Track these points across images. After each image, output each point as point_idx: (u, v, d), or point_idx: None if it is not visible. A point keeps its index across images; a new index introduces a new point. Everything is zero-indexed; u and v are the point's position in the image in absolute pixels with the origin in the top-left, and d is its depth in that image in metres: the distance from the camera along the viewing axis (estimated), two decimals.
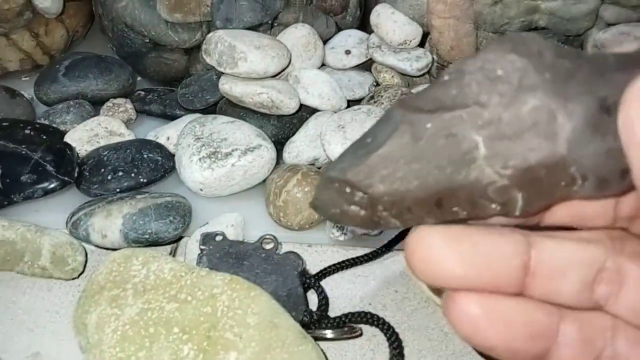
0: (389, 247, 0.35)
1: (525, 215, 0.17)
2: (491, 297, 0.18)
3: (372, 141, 0.17)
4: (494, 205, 0.17)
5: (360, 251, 0.36)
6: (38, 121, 0.43)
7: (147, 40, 0.46)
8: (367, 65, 0.46)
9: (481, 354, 0.30)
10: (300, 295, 0.31)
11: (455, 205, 0.17)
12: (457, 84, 0.16)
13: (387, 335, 0.30)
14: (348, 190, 0.17)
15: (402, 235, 0.35)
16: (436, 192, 0.17)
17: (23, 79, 0.50)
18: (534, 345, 0.18)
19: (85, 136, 0.41)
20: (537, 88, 0.16)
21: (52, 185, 0.35)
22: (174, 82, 0.48)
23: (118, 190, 0.37)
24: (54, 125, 0.42)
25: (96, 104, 0.45)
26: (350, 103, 0.44)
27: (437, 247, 0.17)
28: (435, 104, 0.16)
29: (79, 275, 0.33)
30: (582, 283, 0.19)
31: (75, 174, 0.37)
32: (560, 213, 0.19)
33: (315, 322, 0.31)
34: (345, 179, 0.17)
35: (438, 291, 0.19)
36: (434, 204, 0.17)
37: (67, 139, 0.40)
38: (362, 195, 0.17)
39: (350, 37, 0.47)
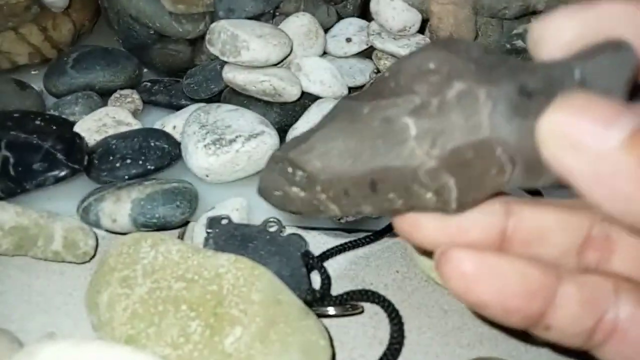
0: (390, 229, 0.36)
1: (463, 209, 0.18)
2: (485, 253, 0.18)
3: (316, 126, 0.18)
4: (429, 195, 0.17)
5: (361, 234, 0.37)
6: (48, 112, 0.44)
7: (152, 32, 0.47)
8: (368, 53, 0.47)
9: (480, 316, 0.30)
10: (304, 275, 0.32)
11: (390, 191, 0.18)
12: (395, 77, 0.18)
13: (388, 312, 0.31)
14: (290, 170, 0.18)
15: None
16: (369, 171, 0.18)
17: (32, 72, 0.51)
18: (530, 304, 0.18)
19: (94, 126, 0.42)
20: (463, 75, 0.17)
21: (62, 173, 0.37)
22: (179, 72, 0.49)
23: (126, 177, 0.38)
24: (63, 116, 0.43)
25: (104, 95, 0.46)
26: (352, 90, 0.45)
27: (419, 216, 0.19)
28: (375, 95, 0.18)
29: (90, 259, 0.35)
30: (564, 249, 0.19)
31: (85, 162, 0.38)
32: None
33: (318, 300, 0.32)
34: (286, 156, 0.18)
35: (427, 252, 0.20)
36: (369, 187, 0.18)
37: (77, 129, 0.41)
38: (302, 174, 0.18)
39: (351, 25, 0.48)
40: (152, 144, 0.39)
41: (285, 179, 0.19)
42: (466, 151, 0.17)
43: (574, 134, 0.15)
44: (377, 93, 0.18)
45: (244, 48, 0.40)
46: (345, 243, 0.36)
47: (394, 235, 0.36)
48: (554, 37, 0.17)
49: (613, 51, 0.16)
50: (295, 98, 0.42)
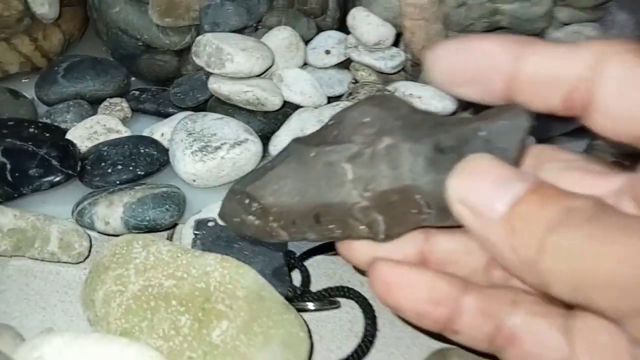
0: None
1: (389, 239, 0.21)
2: (404, 267, 0.21)
3: (271, 164, 0.22)
4: (362, 227, 0.21)
5: None
6: (41, 120, 0.46)
7: (140, 43, 0.50)
8: (346, 64, 0.50)
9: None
10: (285, 273, 0.35)
11: (330, 223, 0.21)
12: (337, 127, 0.21)
13: (363, 307, 0.34)
14: (247, 201, 0.22)
15: None
16: (314, 207, 0.21)
17: (23, 81, 0.53)
18: (436, 310, 0.21)
19: (86, 133, 0.44)
20: (392, 131, 0.20)
21: (57, 179, 0.39)
22: (167, 81, 0.51)
23: (118, 182, 0.40)
24: (56, 124, 0.45)
25: (94, 103, 0.48)
26: (331, 99, 0.47)
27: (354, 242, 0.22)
28: (320, 140, 0.21)
29: (84, 259, 0.37)
30: (472, 269, 0.22)
31: (78, 168, 0.40)
32: None
33: (298, 296, 0.34)
34: (245, 190, 0.21)
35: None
36: (313, 219, 0.21)
37: (69, 136, 0.43)
38: (257, 205, 0.21)
39: (330, 38, 0.51)
40: (142, 151, 0.42)
41: (243, 208, 0.22)
42: (392, 195, 0.20)
43: (470, 201, 0.18)
44: (322, 138, 0.21)
45: (229, 60, 0.43)
46: (325, 243, 0.38)
47: None
48: (436, 64, 0.21)
49: (511, 116, 0.20)
50: (277, 107, 0.44)
